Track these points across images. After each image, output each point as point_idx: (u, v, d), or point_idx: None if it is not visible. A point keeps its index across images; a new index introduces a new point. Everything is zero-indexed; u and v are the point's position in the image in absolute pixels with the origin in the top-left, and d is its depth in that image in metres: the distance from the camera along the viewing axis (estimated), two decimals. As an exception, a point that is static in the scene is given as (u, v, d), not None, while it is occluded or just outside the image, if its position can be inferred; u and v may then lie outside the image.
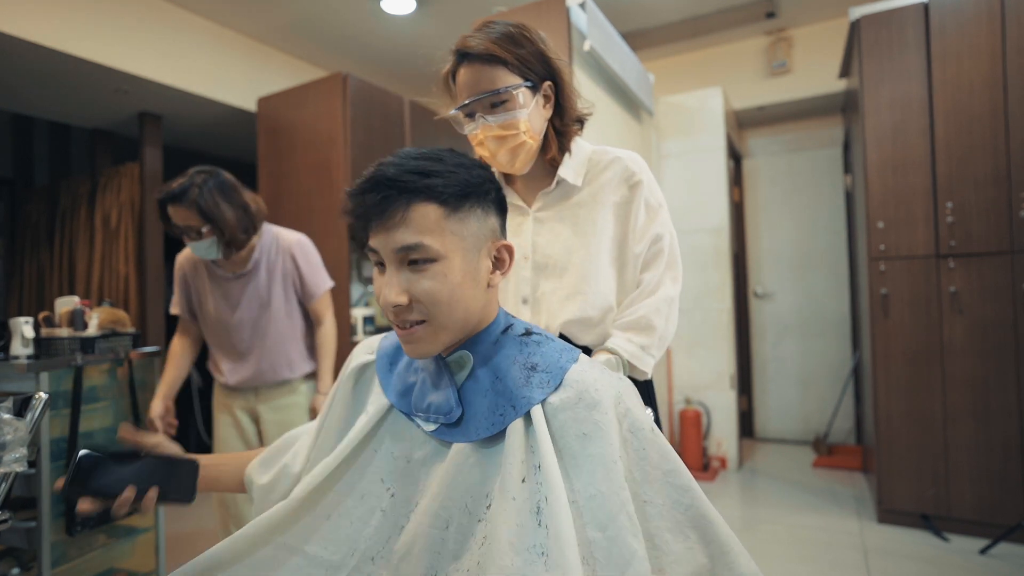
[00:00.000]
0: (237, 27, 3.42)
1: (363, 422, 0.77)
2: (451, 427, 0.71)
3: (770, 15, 3.44)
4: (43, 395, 1.11)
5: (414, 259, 0.66)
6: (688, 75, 3.96)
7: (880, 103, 2.50)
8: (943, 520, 2.39)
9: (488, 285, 0.72)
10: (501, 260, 0.74)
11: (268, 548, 0.73)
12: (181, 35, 3.17)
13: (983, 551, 2.19)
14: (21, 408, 1.10)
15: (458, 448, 0.69)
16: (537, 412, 0.66)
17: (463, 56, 1.01)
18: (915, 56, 2.43)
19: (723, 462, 3.36)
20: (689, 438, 3.26)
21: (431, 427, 0.72)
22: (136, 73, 2.96)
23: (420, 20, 3.38)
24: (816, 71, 3.58)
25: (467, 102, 1.02)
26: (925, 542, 2.32)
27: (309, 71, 3.94)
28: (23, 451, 1.03)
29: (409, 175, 0.65)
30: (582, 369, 0.69)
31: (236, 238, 1.64)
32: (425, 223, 0.65)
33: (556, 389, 0.67)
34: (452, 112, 1.06)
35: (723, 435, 3.39)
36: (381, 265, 0.69)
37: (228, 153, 4.60)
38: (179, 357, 1.82)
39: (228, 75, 3.41)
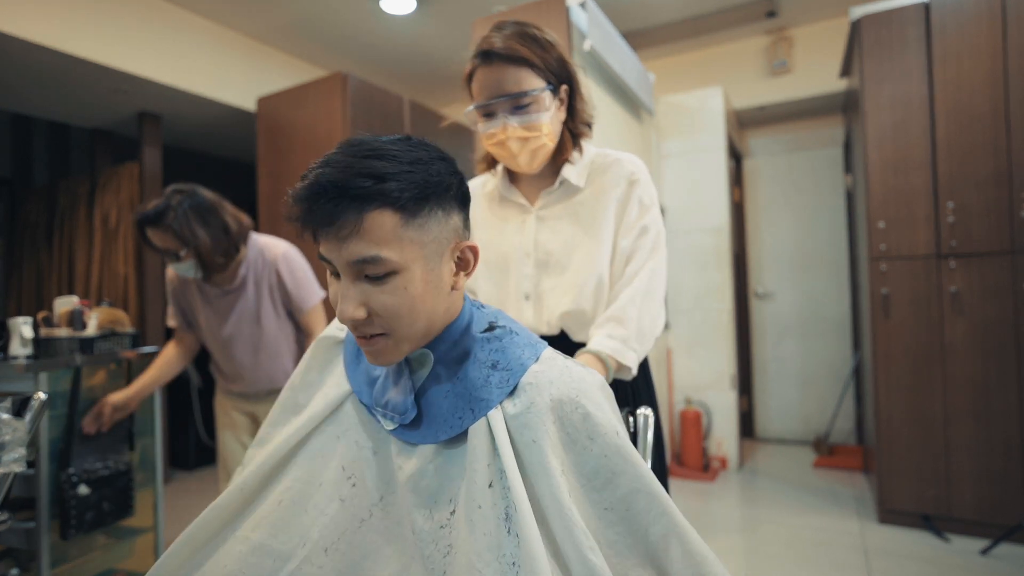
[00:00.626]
0: (237, 27, 3.42)
1: (321, 406, 0.74)
2: (409, 427, 0.68)
3: (770, 14, 3.44)
4: (42, 395, 1.11)
5: (370, 273, 0.61)
6: (688, 75, 3.95)
7: (881, 103, 2.50)
8: (944, 520, 2.39)
9: (452, 288, 0.68)
10: (465, 261, 0.69)
11: (220, 538, 0.70)
12: (181, 35, 3.17)
13: (984, 552, 2.19)
14: (20, 408, 1.10)
15: (421, 449, 0.67)
16: (496, 415, 0.63)
17: (487, 55, 1.00)
18: (916, 56, 2.43)
19: (723, 462, 3.36)
20: (689, 438, 3.25)
21: (390, 426, 0.70)
22: (136, 73, 2.95)
23: (420, 20, 3.38)
24: (817, 71, 3.58)
25: (490, 101, 1.01)
26: (926, 542, 2.31)
27: (309, 71, 3.94)
28: (22, 451, 1.02)
29: (360, 180, 0.58)
30: (540, 370, 0.66)
31: (214, 262, 1.59)
32: (381, 233, 0.59)
33: (512, 391, 0.65)
34: (469, 109, 1.06)
35: (723, 435, 3.39)
36: (336, 273, 0.63)
37: (228, 153, 4.60)
38: (162, 363, 1.75)
39: (228, 75, 3.41)
